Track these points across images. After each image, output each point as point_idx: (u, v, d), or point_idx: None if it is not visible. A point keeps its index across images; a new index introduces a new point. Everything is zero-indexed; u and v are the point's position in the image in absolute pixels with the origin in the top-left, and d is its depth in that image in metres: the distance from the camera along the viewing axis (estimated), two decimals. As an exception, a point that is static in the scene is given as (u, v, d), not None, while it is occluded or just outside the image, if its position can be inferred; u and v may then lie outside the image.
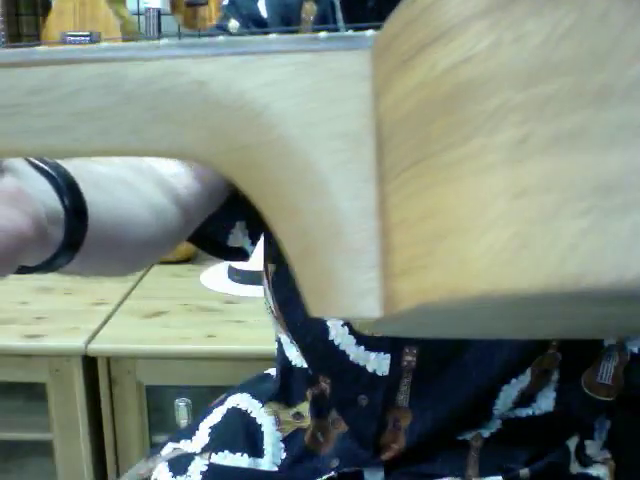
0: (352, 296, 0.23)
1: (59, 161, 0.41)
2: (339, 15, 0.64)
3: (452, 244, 0.19)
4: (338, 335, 0.68)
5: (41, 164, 0.40)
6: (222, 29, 0.67)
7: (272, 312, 0.75)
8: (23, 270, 0.40)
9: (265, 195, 0.24)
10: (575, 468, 0.72)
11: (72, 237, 0.40)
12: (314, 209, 0.23)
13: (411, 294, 0.20)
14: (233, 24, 0.66)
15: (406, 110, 0.21)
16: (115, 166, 0.51)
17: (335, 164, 0.23)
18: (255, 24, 0.66)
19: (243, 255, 0.73)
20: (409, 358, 0.66)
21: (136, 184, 0.51)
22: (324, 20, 0.64)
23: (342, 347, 0.68)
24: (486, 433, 0.70)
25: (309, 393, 0.75)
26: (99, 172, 0.47)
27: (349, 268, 0.23)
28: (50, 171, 0.40)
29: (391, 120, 0.22)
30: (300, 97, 0.23)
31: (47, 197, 0.38)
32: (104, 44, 0.25)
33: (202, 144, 0.24)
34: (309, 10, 0.65)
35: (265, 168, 0.24)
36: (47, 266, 0.41)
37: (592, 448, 0.74)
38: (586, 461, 0.73)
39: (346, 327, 0.67)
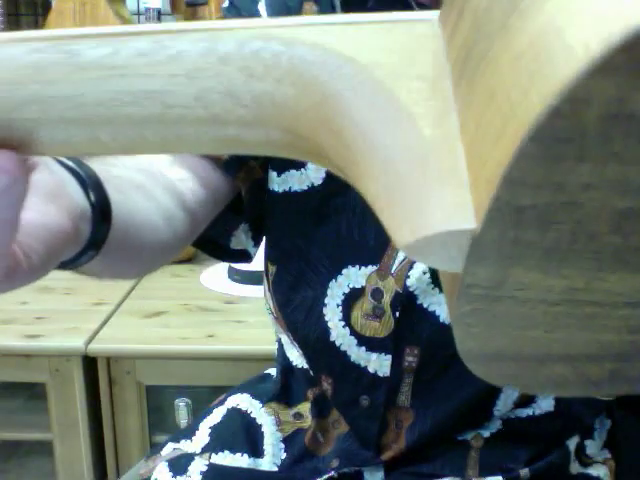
0: (446, 209, 0.23)
1: (81, 159, 0.41)
2: None
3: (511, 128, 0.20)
4: (339, 336, 0.68)
5: (65, 160, 0.39)
6: None
7: (272, 313, 0.75)
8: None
9: (347, 141, 0.26)
10: (575, 468, 0.72)
11: (97, 235, 0.40)
12: (400, 141, 0.25)
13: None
14: None
15: (465, 47, 0.24)
16: (129, 170, 0.52)
17: (417, 100, 0.25)
18: None
19: (246, 257, 0.73)
20: (410, 359, 0.66)
21: (149, 189, 0.52)
22: None
23: (343, 348, 0.68)
24: (486, 433, 0.70)
25: (310, 393, 0.75)
26: (116, 175, 0.47)
27: (439, 187, 0.24)
28: (75, 168, 0.40)
29: (458, 60, 0.25)
30: (382, 51, 0.26)
31: (76, 193, 0.38)
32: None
33: (292, 101, 0.26)
34: (309, 11, 0.65)
35: (352, 112, 0.26)
36: (70, 264, 0.40)
37: (592, 448, 0.74)
38: (586, 461, 0.73)
39: (347, 328, 0.67)
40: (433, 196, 0.24)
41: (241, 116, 0.27)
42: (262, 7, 0.66)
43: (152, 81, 0.26)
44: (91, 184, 0.40)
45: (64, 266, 0.40)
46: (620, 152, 0.20)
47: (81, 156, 0.40)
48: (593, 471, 0.72)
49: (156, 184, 0.54)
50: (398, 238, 0.25)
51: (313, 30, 0.26)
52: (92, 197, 0.39)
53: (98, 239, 0.40)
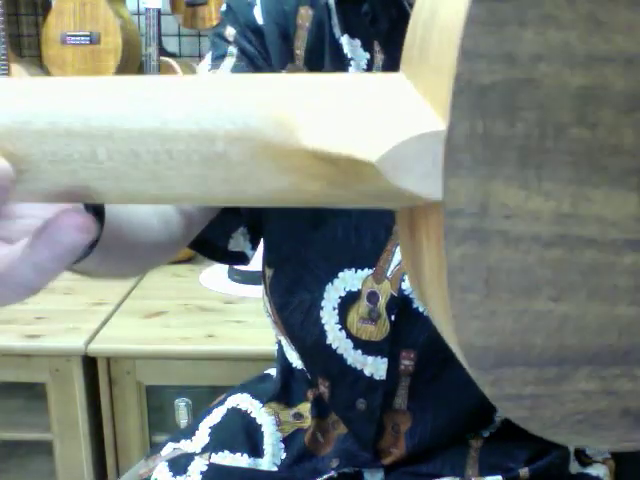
0: (413, 121, 0.24)
1: None
2: (335, 20, 0.64)
3: None
4: (335, 339, 0.68)
5: None
6: (220, 37, 0.67)
7: (270, 316, 0.75)
8: None
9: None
10: (575, 468, 0.72)
11: None
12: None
13: None
14: (229, 31, 0.66)
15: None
16: None
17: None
18: (251, 31, 0.65)
19: (243, 259, 0.73)
20: (406, 362, 0.66)
21: None
22: (320, 25, 0.64)
23: (340, 351, 0.68)
24: (486, 433, 0.70)
25: (310, 393, 0.75)
26: None
27: (404, 110, 0.25)
28: None
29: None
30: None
31: None
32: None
33: None
34: (304, 16, 0.65)
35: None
36: None
37: (592, 448, 0.74)
38: (586, 461, 0.73)
39: (343, 331, 0.67)
40: (399, 116, 0.25)
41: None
42: (258, 12, 0.65)
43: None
44: None
45: None
46: (555, 15, 0.21)
47: None
48: (593, 471, 0.72)
49: None
50: (373, 154, 0.24)
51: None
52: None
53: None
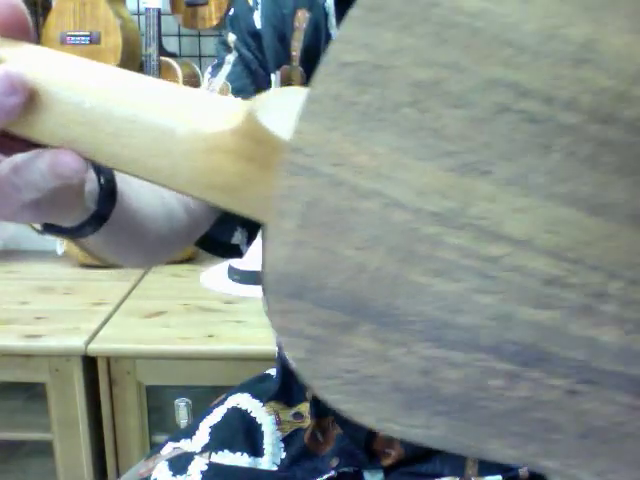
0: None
1: None
2: (332, 22, 0.64)
3: None
4: None
5: None
6: (223, 43, 0.70)
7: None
8: (56, 230, 0.45)
9: None
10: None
11: (101, 210, 0.45)
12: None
13: None
14: (230, 37, 0.69)
15: None
16: None
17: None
18: (250, 36, 0.68)
19: (238, 253, 0.74)
20: None
21: (157, 188, 0.54)
22: (317, 26, 0.65)
23: None
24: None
25: (309, 393, 0.76)
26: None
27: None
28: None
29: None
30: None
31: (91, 175, 0.44)
32: None
33: None
34: (302, 18, 0.66)
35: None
36: (77, 230, 0.45)
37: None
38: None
39: None
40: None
41: None
42: (257, 16, 0.67)
43: None
44: (104, 169, 0.45)
45: (72, 232, 0.45)
46: (410, 25, 0.27)
47: None
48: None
49: None
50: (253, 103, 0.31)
51: None
52: (102, 180, 0.45)
53: (102, 214, 0.45)
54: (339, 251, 0.28)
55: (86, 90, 0.33)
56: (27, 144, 0.34)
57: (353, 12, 0.27)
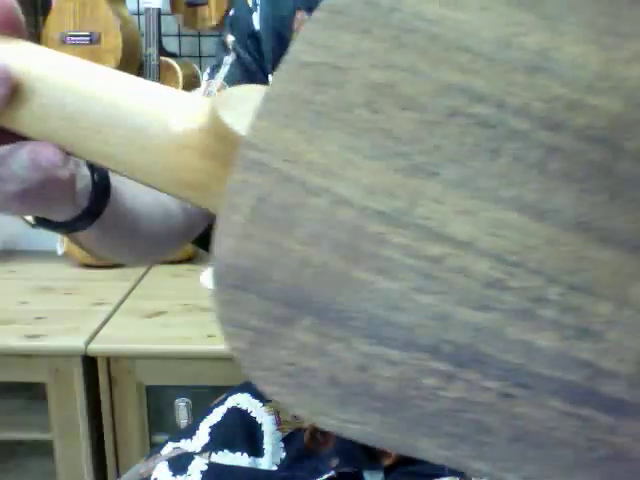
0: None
1: None
2: None
3: None
4: None
5: None
6: (222, 44, 0.70)
7: None
8: (49, 224, 0.46)
9: None
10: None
11: (93, 206, 0.46)
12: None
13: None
14: (229, 39, 0.69)
15: None
16: None
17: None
18: (249, 37, 0.68)
19: None
20: None
21: None
22: None
23: None
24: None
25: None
26: None
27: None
28: None
29: None
30: None
31: (84, 172, 0.45)
32: None
33: None
34: (301, 20, 0.66)
35: None
36: (70, 225, 0.46)
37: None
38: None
39: None
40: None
41: None
42: (255, 18, 0.68)
43: None
44: (97, 167, 0.46)
45: (65, 226, 0.46)
46: (370, 30, 0.28)
47: None
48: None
49: None
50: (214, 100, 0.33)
51: None
52: (95, 177, 0.46)
53: (95, 210, 0.46)
54: (285, 245, 0.29)
55: (68, 87, 0.35)
56: (16, 137, 0.36)
57: (316, 14, 0.28)
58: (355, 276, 0.28)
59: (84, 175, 0.45)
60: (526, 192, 0.28)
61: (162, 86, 0.36)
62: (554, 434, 0.28)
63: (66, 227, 0.46)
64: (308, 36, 0.29)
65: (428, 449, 0.29)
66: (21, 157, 0.35)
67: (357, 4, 0.28)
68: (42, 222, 0.45)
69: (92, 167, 0.46)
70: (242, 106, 0.31)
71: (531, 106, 0.28)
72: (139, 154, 0.34)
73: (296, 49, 0.29)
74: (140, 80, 0.36)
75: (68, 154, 0.35)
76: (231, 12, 0.71)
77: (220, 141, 0.32)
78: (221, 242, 0.29)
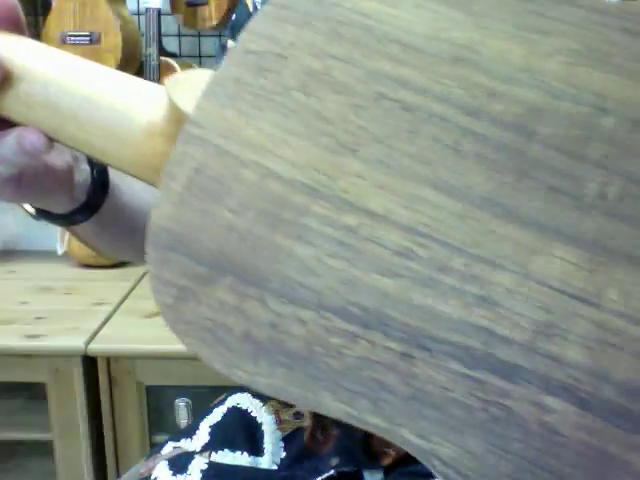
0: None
1: None
2: None
3: None
4: None
5: None
6: (222, 47, 0.72)
7: None
8: (50, 216, 0.48)
9: None
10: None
11: (92, 200, 0.48)
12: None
13: None
14: (230, 44, 0.70)
15: None
16: None
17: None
18: None
19: None
20: None
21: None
22: None
23: None
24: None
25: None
26: None
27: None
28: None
29: None
30: None
31: (84, 167, 0.47)
32: None
33: None
34: None
35: None
36: (69, 218, 0.48)
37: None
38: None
39: None
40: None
41: None
42: None
43: None
44: (97, 164, 0.48)
45: (63, 218, 0.48)
46: (311, 23, 0.32)
47: None
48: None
49: None
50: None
51: None
52: (95, 173, 0.48)
53: (93, 204, 0.48)
54: (215, 213, 0.32)
55: (53, 77, 0.37)
56: (11, 125, 0.38)
57: (264, 8, 0.32)
58: (275, 241, 0.31)
59: (83, 170, 0.47)
60: (441, 170, 0.31)
61: (134, 78, 0.38)
62: (449, 394, 0.30)
63: (65, 219, 0.48)
64: (255, 27, 0.33)
65: (329, 403, 0.31)
66: (10, 141, 0.37)
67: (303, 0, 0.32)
68: (42, 213, 0.47)
69: (92, 163, 0.47)
70: (197, 90, 0.34)
71: (452, 93, 0.31)
72: (111, 142, 0.36)
73: (244, 38, 0.33)
74: (117, 74, 0.38)
75: (51, 140, 0.38)
76: (233, 17, 0.72)
77: (180, 125, 0.34)
78: (159, 208, 0.32)
